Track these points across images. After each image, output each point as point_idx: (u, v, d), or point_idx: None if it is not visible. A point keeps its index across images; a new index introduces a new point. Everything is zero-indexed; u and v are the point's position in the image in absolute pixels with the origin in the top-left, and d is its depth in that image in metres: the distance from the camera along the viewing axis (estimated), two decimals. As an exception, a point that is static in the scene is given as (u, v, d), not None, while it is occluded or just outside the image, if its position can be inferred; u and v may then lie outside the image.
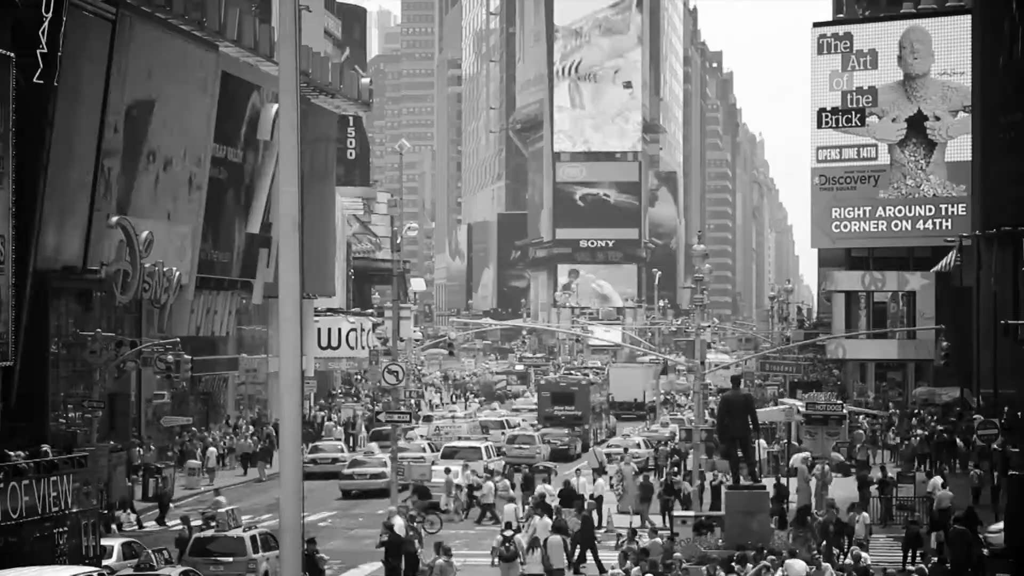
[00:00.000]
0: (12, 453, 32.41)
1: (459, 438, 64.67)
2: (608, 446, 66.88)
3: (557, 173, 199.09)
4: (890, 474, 48.82)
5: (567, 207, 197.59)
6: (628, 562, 32.69)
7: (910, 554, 36.99)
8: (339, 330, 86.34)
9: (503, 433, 65.22)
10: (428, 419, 74.96)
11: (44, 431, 49.82)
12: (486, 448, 59.30)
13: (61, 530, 30.44)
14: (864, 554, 32.98)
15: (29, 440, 46.05)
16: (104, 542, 33.52)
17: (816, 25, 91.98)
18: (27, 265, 48.12)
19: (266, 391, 74.38)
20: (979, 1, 78.43)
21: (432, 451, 59.51)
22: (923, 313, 76.16)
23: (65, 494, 30.66)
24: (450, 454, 56.85)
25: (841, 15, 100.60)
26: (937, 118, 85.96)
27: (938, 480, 44.29)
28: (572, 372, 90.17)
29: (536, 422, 74.26)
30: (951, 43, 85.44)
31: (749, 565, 30.48)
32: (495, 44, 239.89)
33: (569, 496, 44.25)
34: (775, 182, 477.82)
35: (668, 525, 41.40)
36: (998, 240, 66.45)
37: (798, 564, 30.65)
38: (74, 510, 30.89)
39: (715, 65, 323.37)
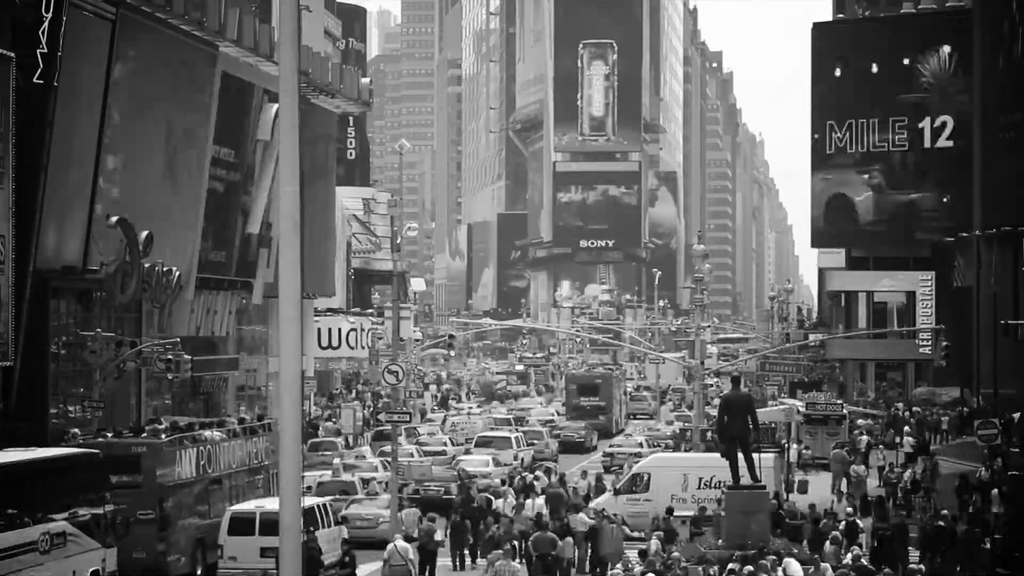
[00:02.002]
0: (229, 419, 44.93)
1: (491, 428, 69.87)
2: (611, 446, 67.13)
3: (556, 172, 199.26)
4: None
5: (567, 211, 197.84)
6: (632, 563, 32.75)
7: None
8: (339, 330, 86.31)
9: (512, 430, 67.51)
10: (428, 421, 75.01)
11: (44, 431, 49.83)
12: (515, 439, 63.95)
13: (257, 477, 41.36)
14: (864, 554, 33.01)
15: (29, 441, 46.11)
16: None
17: (816, 25, 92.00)
18: (27, 265, 48.13)
19: (266, 391, 74.39)
20: (979, 1, 78.42)
21: (454, 445, 63.92)
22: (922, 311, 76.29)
23: (261, 451, 41.95)
24: (484, 443, 62.50)
25: (841, 15, 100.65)
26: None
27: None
28: (595, 367, 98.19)
29: (562, 412, 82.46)
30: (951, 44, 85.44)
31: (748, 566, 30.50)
32: (495, 44, 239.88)
33: (556, 498, 43.58)
34: (775, 182, 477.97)
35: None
36: (998, 240, 66.43)
37: (795, 564, 30.66)
38: (265, 463, 41.63)
39: (715, 65, 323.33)
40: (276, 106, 62.19)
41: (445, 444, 63.64)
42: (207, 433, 40.03)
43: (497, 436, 64.24)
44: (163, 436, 38.29)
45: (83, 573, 31.14)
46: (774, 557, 30.96)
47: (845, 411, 62.82)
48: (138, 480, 36.40)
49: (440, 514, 41.32)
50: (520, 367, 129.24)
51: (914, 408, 71.56)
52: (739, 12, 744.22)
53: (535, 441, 66.61)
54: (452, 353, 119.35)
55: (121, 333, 55.01)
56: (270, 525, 32.70)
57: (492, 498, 43.31)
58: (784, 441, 58.01)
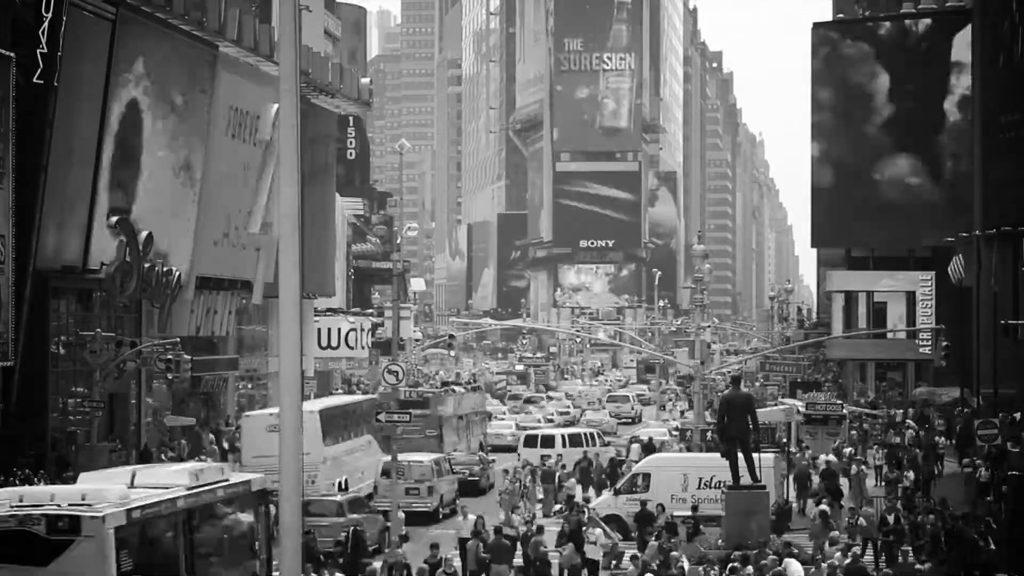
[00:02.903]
0: (461, 381, 71.05)
1: (620, 385, 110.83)
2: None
3: (556, 171, 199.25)
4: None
5: (567, 209, 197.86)
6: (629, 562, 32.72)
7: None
8: (339, 330, 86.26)
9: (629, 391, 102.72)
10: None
11: (44, 431, 49.87)
12: (632, 396, 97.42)
13: (479, 418, 67.44)
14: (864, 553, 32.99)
15: (31, 440, 46.05)
16: None
17: (816, 25, 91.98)
18: (27, 265, 48.14)
19: (266, 391, 74.32)
20: (979, 1, 78.41)
21: (563, 414, 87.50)
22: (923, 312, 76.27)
23: (479, 402, 69.45)
24: (612, 400, 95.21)
25: (841, 15, 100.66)
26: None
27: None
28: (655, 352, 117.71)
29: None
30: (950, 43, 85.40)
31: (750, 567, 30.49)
32: (495, 44, 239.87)
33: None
34: (775, 182, 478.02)
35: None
36: (998, 240, 66.35)
37: (796, 564, 30.65)
38: (483, 410, 68.70)
39: (715, 65, 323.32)
40: (276, 106, 62.17)
41: (567, 410, 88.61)
42: (457, 388, 70.32)
43: (620, 395, 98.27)
44: (439, 387, 68.02)
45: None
46: (774, 557, 30.95)
47: (845, 411, 62.77)
48: (427, 412, 59.17)
49: None
50: (520, 367, 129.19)
51: (913, 410, 71.43)
52: (739, 12, 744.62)
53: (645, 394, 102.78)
54: (452, 353, 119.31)
55: (121, 333, 55.00)
56: (544, 440, 60.16)
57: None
58: (785, 440, 57.93)
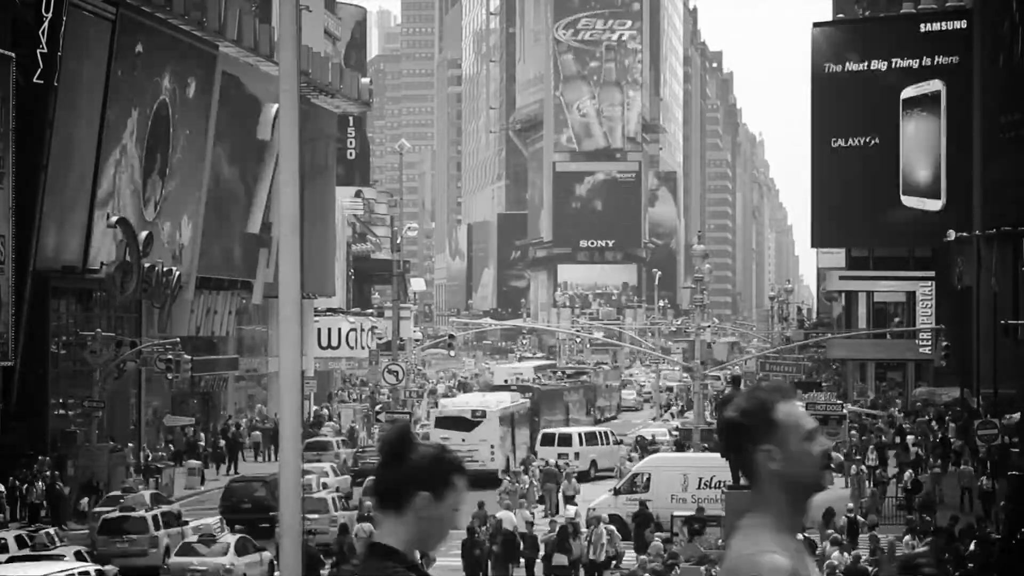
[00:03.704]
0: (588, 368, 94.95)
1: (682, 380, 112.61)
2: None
3: (556, 172, 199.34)
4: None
5: (566, 208, 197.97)
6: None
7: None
8: (339, 330, 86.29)
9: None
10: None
11: (44, 431, 49.89)
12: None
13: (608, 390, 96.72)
14: (863, 555, 32.94)
15: (29, 439, 46.04)
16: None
17: (816, 25, 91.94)
18: (27, 265, 48.19)
19: (266, 390, 74.37)
20: (979, 1, 78.43)
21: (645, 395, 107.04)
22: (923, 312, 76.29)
23: (604, 383, 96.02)
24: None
25: (841, 15, 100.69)
26: None
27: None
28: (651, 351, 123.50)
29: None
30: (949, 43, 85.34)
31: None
32: (495, 44, 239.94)
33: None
34: (775, 182, 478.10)
35: (669, 525, 41.40)
36: (998, 240, 66.34)
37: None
38: (610, 383, 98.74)
39: (715, 65, 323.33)
40: (276, 106, 62.23)
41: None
42: (604, 366, 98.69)
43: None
44: (592, 366, 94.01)
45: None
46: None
47: (845, 411, 62.75)
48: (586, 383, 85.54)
49: None
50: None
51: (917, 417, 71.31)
52: (739, 12, 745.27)
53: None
54: (452, 353, 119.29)
55: (121, 333, 55.06)
56: (561, 438, 62.63)
57: None
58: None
